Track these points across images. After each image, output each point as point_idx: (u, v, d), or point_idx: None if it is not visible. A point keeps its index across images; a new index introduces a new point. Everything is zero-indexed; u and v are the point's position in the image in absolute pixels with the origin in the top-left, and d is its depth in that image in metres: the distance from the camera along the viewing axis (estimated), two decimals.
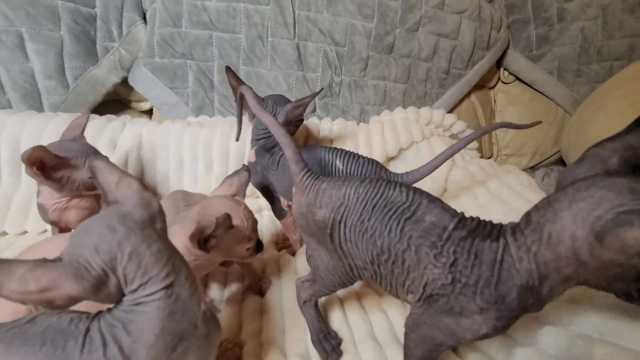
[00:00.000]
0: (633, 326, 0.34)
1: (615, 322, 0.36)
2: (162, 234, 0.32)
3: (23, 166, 0.61)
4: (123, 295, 0.29)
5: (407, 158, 0.79)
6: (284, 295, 0.55)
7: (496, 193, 0.65)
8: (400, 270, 0.35)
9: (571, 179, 0.30)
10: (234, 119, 0.79)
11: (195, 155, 0.74)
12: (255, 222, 0.46)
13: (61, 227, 0.59)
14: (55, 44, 0.75)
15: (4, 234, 0.68)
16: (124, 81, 0.84)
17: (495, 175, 0.69)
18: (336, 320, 0.51)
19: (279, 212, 0.64)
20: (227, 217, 0.40)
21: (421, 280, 0.34)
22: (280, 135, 0.43)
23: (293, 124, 0.60)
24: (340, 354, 0.45)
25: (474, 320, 0.31)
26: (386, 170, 0.53)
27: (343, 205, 0.38)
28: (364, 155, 0.54)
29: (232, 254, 0.45)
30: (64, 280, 0.26)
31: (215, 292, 0.58)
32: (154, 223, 0.33)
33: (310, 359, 0.45)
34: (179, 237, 0.44)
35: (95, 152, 0.55)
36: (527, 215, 0.31)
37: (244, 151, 0.75)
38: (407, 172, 0.51)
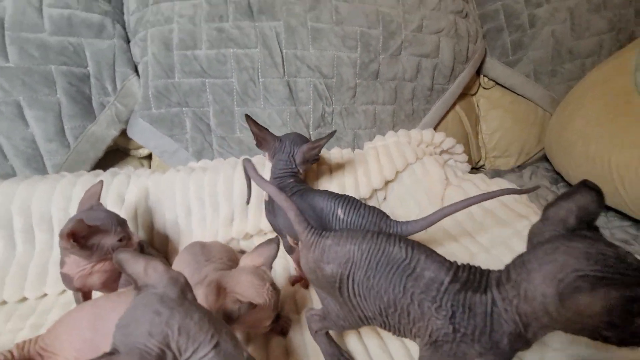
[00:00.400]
0: None
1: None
2: (195, 303, 0.37)
3: (36, 232, 0.64)
4: None
5: (402, 180, 0.83)
6: (305, 332, 0.59)
7: (490, 209, 0.70)
8: (407, 321, 0.40)
9: (539, 237, 0.36)
10: (235, 160, 0.83)
11: (202, 200, 0.77)
12: (277, 300, 0.49)
13: (84, 292, 0.61)
14: (53, 108, 0.77)
15: (24, 299, 0.70)
16: (123, 132, 0.86)
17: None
18: (351, 345, 0.55)
19: (287, 248, 0.68)
20: (251, 305, 0.43)
21: (426, 329, 0.38)
22: (281, 200, 0.47)
23: (310, 162, 0.66)
24: None
25: None
26: (386, 219, 0.56)
27: (349, 261, 0.42)
28: (365, 204, 0.57)
29: (252, 327, 0.49)
30: None
31: (239, 338, 0.61)
32: (186, 295, 0.37)
33: None
34: (205, 303, 0.47)
35: (116, 217, 0.58)
36: (507, 272, 0.36)
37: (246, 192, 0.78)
38: (406, 222, 0.54)
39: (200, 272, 0.56)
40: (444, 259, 0.40)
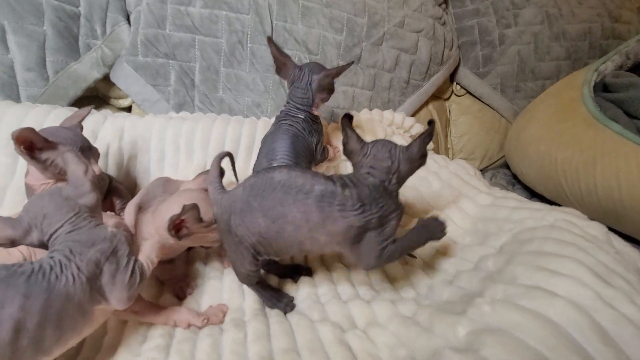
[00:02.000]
0: None
1: None
2: (82, 208, 0.44)
3: (0, 155, 0.63)
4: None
5: None
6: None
7: (447, 181, 0.76)
8: (300, 233, 0.45)
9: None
10: (214, 116, 0.85)
11: (177, 146, 0.78)
12: None
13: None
14: (38, 38, 0.77)
15: None
16: (105, 78, 0.87)
17: (446, 166, 0.80)
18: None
19: None
20: (194, 206, 0.45)
21: (335, 233, 0.45)
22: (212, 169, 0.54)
23: (326, 91, 0.68)
24: (294, 306, 0.53)
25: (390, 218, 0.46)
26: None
27: (235, 201, 0.47)
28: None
29: (202, 241, 0.51)
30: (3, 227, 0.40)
31: (199, 268, 0.62)
32: (78, 201, 0.44)
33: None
34: (152, 223, 0.50)
35: (86, 143, 0.58)
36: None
37: (223, 143, 0.81)
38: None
39: (156, 201, 0.57)
40: (323, 174, 0.47)
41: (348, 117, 0.56)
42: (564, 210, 0.54)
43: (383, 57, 1.03)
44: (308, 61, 0.94)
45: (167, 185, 0.63)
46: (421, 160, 0.51)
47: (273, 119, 0.73)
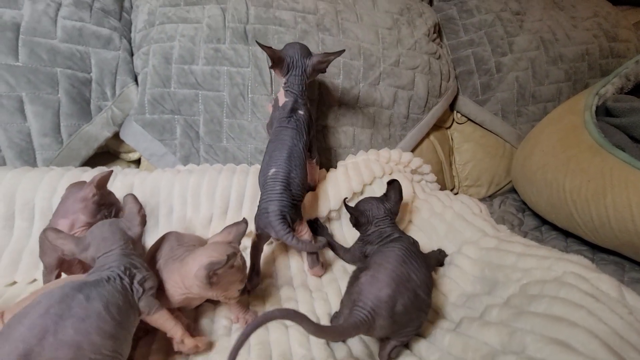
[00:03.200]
0: None
1: None
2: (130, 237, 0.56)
3: (16, 219, 0.67)
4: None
5: (373, 191, 0.89)
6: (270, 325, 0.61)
7: (451, 223, 0.75)
8: None
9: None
10: (220, 167, 0.88)
11: (184, 199, 0.81)
12: (246, 268, 0.55)
13: (61, 267, 0.62)
14: (53, 106, 0.82)
15: None
16: (115, 135, 0.91)
17: (450, 207, 0.80)
18: None
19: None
20: (235, 254, 0.49)
21: None
22: None
23: (317, 73, 0.80)
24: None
25: None
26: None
27: None
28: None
29: (226, 291, 0.53)
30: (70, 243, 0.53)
31: (206, 325, 0.63)
32: (129, 230, 0.56)
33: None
34: (178, 272, 0.52)
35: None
36: None
37: (229, 194, 0.82)
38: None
39: (173, 253, 0.59)
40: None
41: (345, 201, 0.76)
42: (572, 260, 0.52)
43: (381, 95, 1.06)
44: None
45: (180, 240, 0.65)
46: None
47: None
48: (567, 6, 1.40)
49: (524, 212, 1.19)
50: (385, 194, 0.74)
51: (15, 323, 0.41)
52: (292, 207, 0.67)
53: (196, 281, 0.50)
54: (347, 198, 0.76)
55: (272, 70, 0.83)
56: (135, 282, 0.50)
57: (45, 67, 0.82)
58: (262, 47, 0.73)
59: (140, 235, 0.57)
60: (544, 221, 1.08)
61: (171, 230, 0.68)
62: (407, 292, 0.46)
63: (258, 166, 0.90)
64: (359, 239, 0.71)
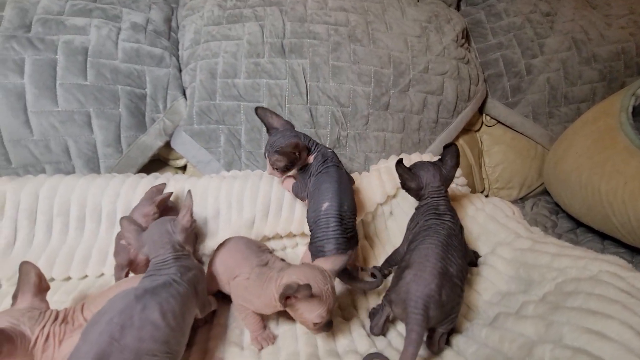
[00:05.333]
0: None
1: None
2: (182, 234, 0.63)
3: (87, 221, 0.77)
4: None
5: (406, 195, 0.92)
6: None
7: (484, 226, 0.78)
8: None
9: None
10: (260, 172, 0.94)
11: (229, 204, 0.88)
12: (332, 305, 0.55)
13: (129, 267, 0.71)
14: (115, 119, 0.92)
15: (69, 278, 0.80)
16: (166, 144, 1.00)
17: (482, 209, 0.82)
18: None
19: None
20: (307, 287, 0.50)
21: None
22: None
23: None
24: None
25: None
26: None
27: None
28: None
29: (300, 318, 0.55)
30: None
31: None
32: (174, 234, 0.62)
33: None
34: (275, 281, 0.57)
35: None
36: None
37: (269, 199, 0.89)
38: None
39: (260, 258, 0.65)
40: None
41: (399, 161, 0.74)
42: (608, 260, 0.54)
43: (410, 101, 1.09)
44: (340, 114, 1.03)
45: (250, 244, 0.73)
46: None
47: None
48: (601, 4, 1.38)
49: (557, 214, 1.18)
50: (440, 159, 0.74)
51: (90, 327, 0.48)
52: (346, 240, 0.68)
53: (276, 294, 0.54)
54: (402, 158, 0.75)
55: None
56: (189, 284, 0.55)
57: (109, 85, 0.92)
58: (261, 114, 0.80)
59: (185, 239, 0.61)
60: (578, 223, 1.07)
61: (236, 236, 0.76)
62: (448, 283, 0.51)
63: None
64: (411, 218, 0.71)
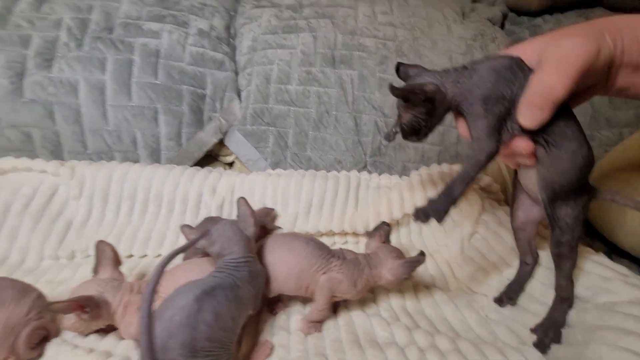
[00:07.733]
0: None
1: None
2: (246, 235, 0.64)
3: (150, 205, 0.85)
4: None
5: None
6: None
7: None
8: None
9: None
10: (303, 172, 1.01)
11: (275, 199, 0.95)
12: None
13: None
14: (179, 116, 1.02)
15: (131, 256, 0.90)
16: (219, 141, 1.09)
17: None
18: None
19: None
20: (422, 253, 0.63)
21: None
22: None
23: None
24: None
25: None
26: None
27: None
28: None
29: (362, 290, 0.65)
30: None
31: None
32: (246, 230, 0.63)
33: None
34: (385, 268, 0.65)
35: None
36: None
37: (312, 196, 0.95)
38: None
39: (322, 250, 0.67)
40: None
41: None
42: None
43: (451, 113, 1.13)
44: (383, 123, 1.08)
45: (318, 242, 0.75)
46: None
47: (352, 173, 0.96)
48: None
49: (591, 237, 1.17)
50: None
51: (155, 319, 0.50)
52: None
53: (395, 274, 0.63)
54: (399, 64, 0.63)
55: None
56: (253, 288, 0.58)
57: (176, 85, 1.02)
58: None
59: (255, 234, 0.64)
60: (613, 248, 1.07)
61: (290, 232, 0.83)
62: None
63: (335, 172, 1.02)
64: None
